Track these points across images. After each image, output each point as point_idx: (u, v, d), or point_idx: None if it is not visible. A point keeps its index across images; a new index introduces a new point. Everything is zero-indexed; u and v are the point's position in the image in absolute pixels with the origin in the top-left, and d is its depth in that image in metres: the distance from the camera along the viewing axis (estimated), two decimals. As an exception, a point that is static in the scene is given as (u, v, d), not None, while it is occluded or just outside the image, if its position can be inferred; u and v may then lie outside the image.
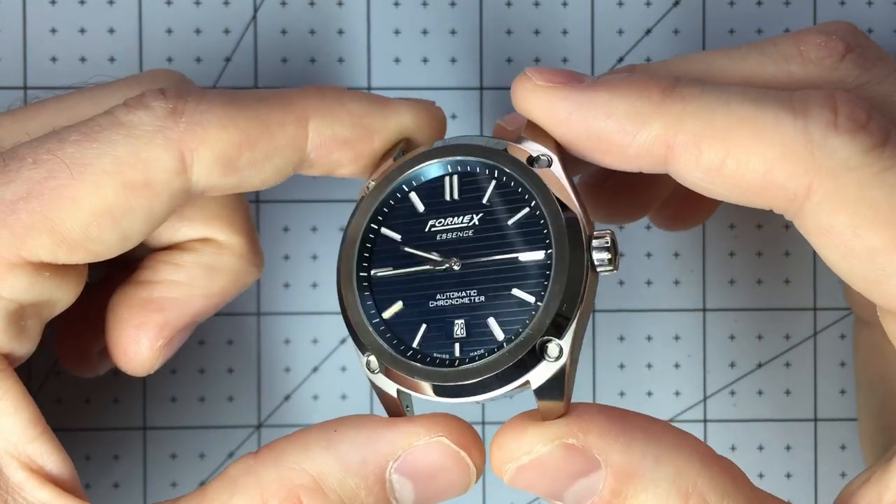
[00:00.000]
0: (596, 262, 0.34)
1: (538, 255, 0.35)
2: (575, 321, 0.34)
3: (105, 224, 0.35)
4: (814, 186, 0.33)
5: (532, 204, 0.35)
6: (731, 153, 0.33)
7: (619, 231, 0.48)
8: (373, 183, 0.37)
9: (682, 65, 0.37)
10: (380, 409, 0.37)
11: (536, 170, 0.35)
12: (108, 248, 0.35)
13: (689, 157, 0.34)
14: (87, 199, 0.34)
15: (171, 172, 0.35)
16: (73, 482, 0.36)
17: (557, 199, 0.35)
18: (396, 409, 0.36)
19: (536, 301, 0.34)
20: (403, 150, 0.37)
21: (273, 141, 0.36)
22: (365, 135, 0.37)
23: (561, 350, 0.34)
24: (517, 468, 0.34)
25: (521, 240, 0.35)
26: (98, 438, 0.47)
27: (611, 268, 0.34)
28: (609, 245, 0.34)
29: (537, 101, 0.35)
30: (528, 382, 0.34)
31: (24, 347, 0.36)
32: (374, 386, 0.36)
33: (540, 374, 0.34)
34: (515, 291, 0.35)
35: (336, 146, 0.37)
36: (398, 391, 0.36)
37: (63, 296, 0.36)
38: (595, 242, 0.34)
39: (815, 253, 0.48)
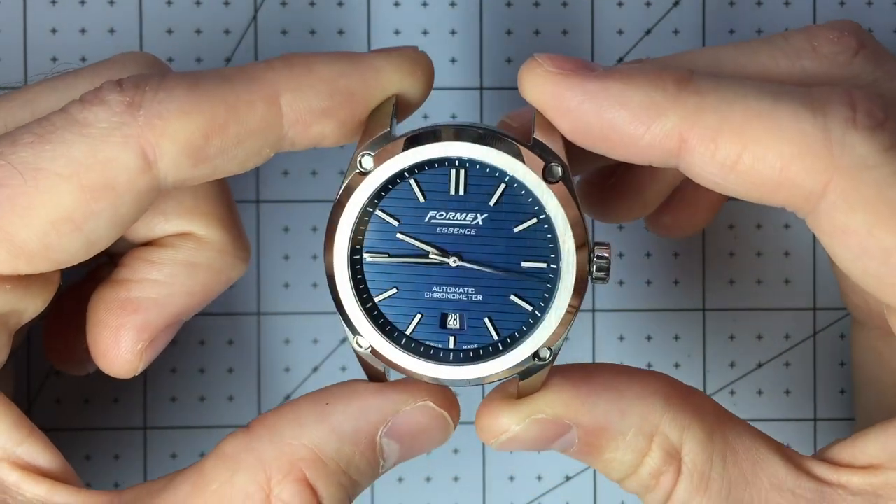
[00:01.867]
0: (595, 277, 0.35)
1: (540, 265, 0.35)
2: (569, 329, 0.35)
3: (65, 231, 0.33)
4: (831, 184, 0.32)
5: (541, 217, 0.35)
6: (747, 148, 0.33)
7: (620, 231, 0.48)
8: (367, 155, 0.35)
9: (692, 59, 0.37)
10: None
11: (550, 185, 0.35)
12: (72, 255, 0.34)
13: (704, 151, 0.33)
14: (43, 206, 0.33)
15: (133, 171, 0.33)
16: (67, 474, 0.36)
17: (568, 213, 0.35)
18: (380, 378, 0.37)
19: (534, 310, 0.35)
20: (395, 113, 0.36)
21: (243, 124, 0.34)
22: (344, 100, 0.34)
23: (551, 352, 0.35)
24: (500, 444, 0.36)
25: (524, 249, 0.35)
26: (98, 438, 0.47)
27: (604, 281, 0.35)
28: (608, 258, 0.35)
29: (547, 88, 0.34)
30: (516, 376, 0.36)
31: None
32: (360, 360, 0.37)
33: (528, 371, 0.36)
34: (514, 298, 0.35)
35: (314, 118, 0.34)
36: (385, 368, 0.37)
37: (30, 304, 0.35)
38: (597, 255, 0.35)
39: (815, 253, 0.48)
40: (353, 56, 0.35)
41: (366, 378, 0.37)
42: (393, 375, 0.37)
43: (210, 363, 0.48)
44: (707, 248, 0.48)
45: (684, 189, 0.42)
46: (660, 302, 0.48)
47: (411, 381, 0.36)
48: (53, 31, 0.47)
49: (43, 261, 0.34)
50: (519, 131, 0.36)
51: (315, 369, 0.48)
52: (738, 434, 0.36)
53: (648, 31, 0.48)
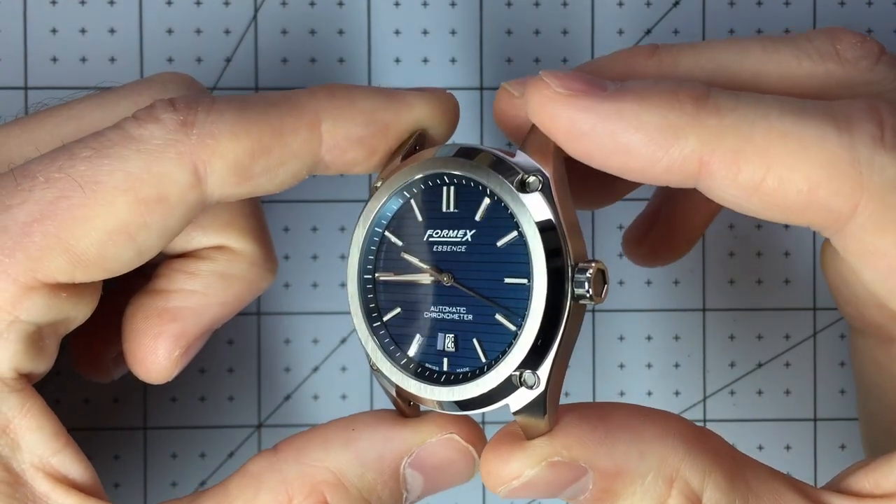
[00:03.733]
0: (577, 294, 0.32)
1: (521, 281, 0.33)
2: (552, 353, 0.33)
3: (120, 241, 0.34)
4: (860, 206, 0.32)
5: (519, 230, 0.33)
6: (771, 170, 0.32)
7: (620, 231, 0.48)
8: (380, 183, 0.36)
9: (714, 51, 0.36)
10: (378, 405, 0.37)
11: (525, 196, 0.33)
12: (123, 264, 0.35)
13: (725, 175, 0.32)
14: (101, 217, 0.34)
15: (184, 186, 0.34)
16: (96, 487, 0.36)
17: (541, 227, 0.33)
18: (397, 401, 0.36)
19: (517, 330, 0.33)
20: (417, 145, 0.37)
21: (286, 147, 0.35)
22: (378, 131, 0.36)
23: (538, 379, 0.33)
24: (509, 490, 0.34)
25: (507, 264, 0.34)
26: (98, 438, 0.47)
27: (592, 301, 0.33)
28: (591, 277, 0.32)
29: (557, 111, 0.33)
30: (507, 405, 0.34)
31: (42, 365, 0.36)
32: (385, 392, 0.37)
33: (518, 400, 0.33)
34: (498, 317, 0.34)
35: (350, 146, 0.36)
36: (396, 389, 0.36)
37: (80, 312, 0.36)
38: (578, 274, 0.33)
39: (815, 253, 0.48)
40: (389, 91, 0.37)
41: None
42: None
43: (210, 363, 0.48)
44: (707, 248, 0.48)
45: (663, 220, 0.42)
46: (660, 302, 0.48)
47: (439, 415, 0.36)
48: (53, 31, 0.47)
49: (98, 270, 0.35)
50: (517, 123, 0.36)
51: (315, 369, 0.48)
52: (757, 475, 0.35)
53: (648, 31, 0.48)
